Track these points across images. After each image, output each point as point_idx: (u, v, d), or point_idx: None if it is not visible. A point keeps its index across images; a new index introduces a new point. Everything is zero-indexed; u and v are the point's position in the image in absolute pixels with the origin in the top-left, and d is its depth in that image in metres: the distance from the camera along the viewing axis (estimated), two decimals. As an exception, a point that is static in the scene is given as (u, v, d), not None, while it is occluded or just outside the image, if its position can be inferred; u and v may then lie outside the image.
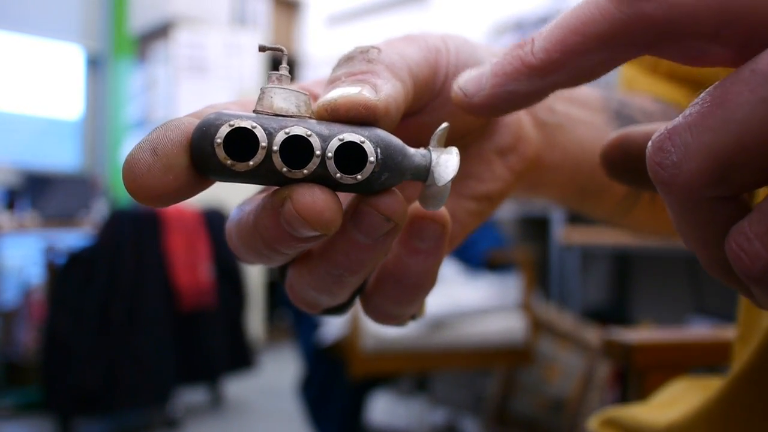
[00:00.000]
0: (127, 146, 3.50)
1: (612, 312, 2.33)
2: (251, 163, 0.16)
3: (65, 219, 2.77)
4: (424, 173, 0.17)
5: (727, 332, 0.67)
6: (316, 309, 0.21)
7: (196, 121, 0.17)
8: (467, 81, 0.18)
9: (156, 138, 0.16)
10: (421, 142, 0.20)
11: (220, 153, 0.16)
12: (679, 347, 0.64)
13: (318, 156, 0.16)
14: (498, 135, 0.26)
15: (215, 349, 2.23)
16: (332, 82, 0.19)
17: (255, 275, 3.16)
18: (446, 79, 0.23)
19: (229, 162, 0.16)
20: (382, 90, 0.18)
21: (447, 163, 0.17)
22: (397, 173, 0.16)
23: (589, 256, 2.45)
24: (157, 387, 2.05)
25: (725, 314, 1.80)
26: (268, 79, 0.18)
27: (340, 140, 0.16)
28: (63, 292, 1.98)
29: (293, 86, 0.18)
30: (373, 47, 0.21)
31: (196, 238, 2.14)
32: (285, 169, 0.16)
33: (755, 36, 0.14)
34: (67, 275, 1.99)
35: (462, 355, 1.65)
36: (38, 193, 2.78)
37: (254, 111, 0.17)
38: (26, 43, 3.48)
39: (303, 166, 0.16)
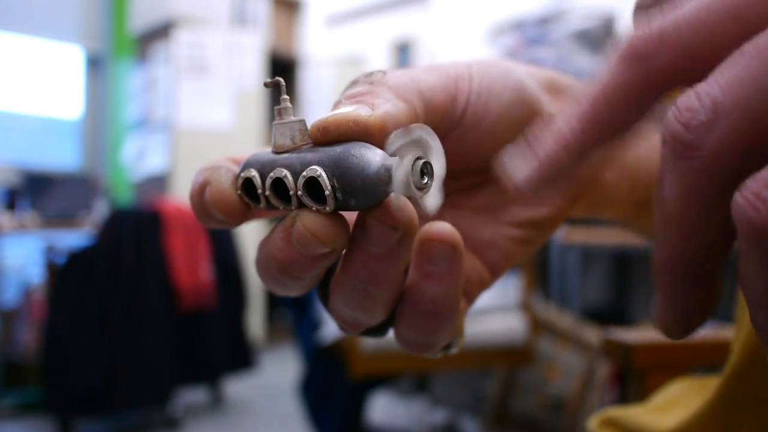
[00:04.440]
0: (127, 146, 3.50)
1: (612, 312, 2.33)
2: (261, 205, 0.18)
3: (65, 219, 2.77)
4: (384, 189, 0.17)
5: (727, 332, 0.67)
6: (358, 329, 0.21)
7: (236, 165, 0.20)
8: (512, 167, 0.17)
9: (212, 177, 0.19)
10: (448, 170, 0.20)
11: (243, 197, 0.19)
12: (679, 347, 0.64)
13: (293, 194, 0.17)
14: None
15: (215, 349, 2.24)
16: (336, 105, 0.19)
17: (255, 275, 3.16)
18: (467, 105, 0.22)
19: (250, 203, 0.19)
20: (380, 108, 0.18)
21: (402, 171, 0.16)
22: (367, 195, 0.16)
23: (589, 256, 2.45)
24: (157, 387, 2.05)
25: (725, 314, 1.80)
26: (275, 113, 0.19)
27: (304, 177, 0.17)
28: (63, 292, 1.98)
29: (290, 116, 0.18)
30: (378, 71, 0.21)
31: (197, 238, 2.14)
32: (282, 207, 0.18)
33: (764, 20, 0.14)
34: (67, 275, 1.99)
35: (462, 355, 1.65)
36: (38, 193, 2.78)
37: (273, 149, 0.19)
38: (26, 43, 3.48)
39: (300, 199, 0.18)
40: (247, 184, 0.18)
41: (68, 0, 3.63)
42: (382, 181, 0.16)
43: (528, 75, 0.24)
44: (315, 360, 1.75)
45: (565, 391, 1.79)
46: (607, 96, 0.16)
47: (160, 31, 3.26)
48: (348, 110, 0.18)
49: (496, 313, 1.73)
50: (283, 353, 3.21)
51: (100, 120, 3.79)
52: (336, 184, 0.16)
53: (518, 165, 0.17)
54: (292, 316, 1.86)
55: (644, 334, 0.69)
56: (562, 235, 2.15)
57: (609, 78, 0.16)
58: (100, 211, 2.90)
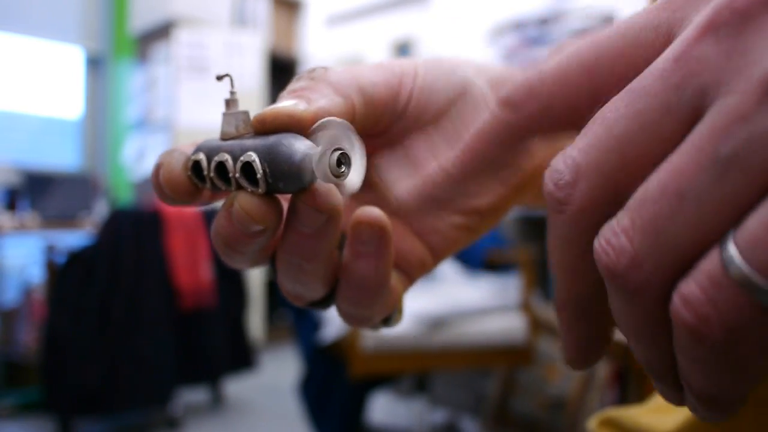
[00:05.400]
0: (127, 146, 3.50)
1: (612, 312, 2.33)
2: (207, 185, 0.20)
3: (65, 219, 2.77)
4: (310, 175, 0.19)
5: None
6: (301, 301, 0.23)
7: (190, 150, 0.21)
8: (393, 181, 0.21)
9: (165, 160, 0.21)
10: (387, 162, 0.24)
11: (192, 178, 0.21)
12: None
13: (232, 176, 0.19)
14: None
15: (215, 349, 2.24)
16: (279, 98, 0.21)
17: (255, 275, 3.16)
18: (409, 101, 0.24)
19: (198, 184, 0.21)
20: (316, 103, 0.20)
21: (321, 160, 0.18)
22: (293, 180, 0.18)
23: (589, 256, 2.44)
24: (158, 387, 2.05)
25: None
26: (225, 104, 0.21)
27: (241, 161, 0.19)
28: (63, 292, 1.98)
29: (236, 108, 0.21)
30: (321, 67, 0.23)
31: (197, 238, 2.14)
32: (224, 188, 0.20)
33: (626, 84, 0.15)
34: (67, 275, 1.99)
35: (462, 355, 1.65)
36: (38, 193, 2.78)
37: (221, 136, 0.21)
38: (26, 43, 3.48)
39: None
40: (196, 167, 0.20)
41: (68, 0, 3.63)
42: (305, 168, 0.18)
43: (478, 73, 0.25)
44: (315, 360, 1.75)
45: (565, 391, 1.79)
46: (486, 134, 0.18)
47: (160, 31, 3.26)
48: (286, 104, 0.20)
49: (496, 313, 1.73)
50: (283, 353, 3.21)
51: (100, 120, 3.79)
52: (267, 169, 0.18)
53: (399, 179, 0.20)
54: (292, 316, 1.86)
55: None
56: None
57: (489, 119, 0.18)
58: (100, 211, 2.90)
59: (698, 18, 0.14)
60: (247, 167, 0.19)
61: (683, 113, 0.14)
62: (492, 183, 0.25)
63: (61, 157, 3.64)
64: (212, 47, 3.24)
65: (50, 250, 2.22)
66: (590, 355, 0.18)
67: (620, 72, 0.16)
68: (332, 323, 1.66)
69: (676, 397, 0.16)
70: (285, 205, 0.20)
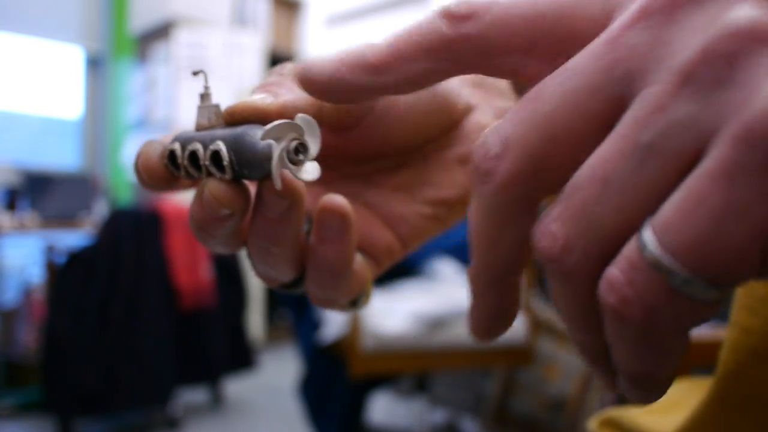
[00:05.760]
0: (127, 146, 3.50)
1: (612, 312, 2.33)
2: (182, 173, 0.22)
3: (65, 219, 2.77)
4: (268, 163, 0.20)
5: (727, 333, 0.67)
6: (273, 283, 0.24)
7: (168, 140, 0.23)
8: (315, 61, 0.20)
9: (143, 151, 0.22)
10: (361, 154, 0.25)
11: (168, 166, 0.22)
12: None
13: (203, 164, 0.21)
14: (460, 144, 0.26)
15: (215, 349, 2.24)
16: (252, 92, 0.23)
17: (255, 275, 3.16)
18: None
19: (174, 171, 0.22)
20: (282, 97, 0.22)
21: (280, 149, 0.20)
22: (256, 167, 0.20)
23: (589, 256, 2.45)
24: (158, 387, 2.05)
25: (725, 315, 1.80)
26: (199, 98, 0.23)
27: (210, 150, 0.20)
28: (63, 292, 1.98)
29: (209, 101, 0.22)
30: (291, 64, 0.24)
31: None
32: (197, 175, 0.21)
33: (563, 49, 0.16)
34: (67, 275, 1.99)
35: (462, 355, 1.65)
36: (38, 193, 2.78)
37: (195, 127, 0.22)
38: (26, 43, 3.48)
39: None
40: (172, 155, 0.22)
41: (68, 0, 3.63)
42: (266, 156, 0.19)
43: (485, 99, 0.26)
44: (315, 360, 1.75)
45: (565, 391, 1.79)
46: (420, 39, 0.18)
47: (160, 31, 3.26)
48: (255, 98, 0.22)
49: (496, 313, 1.73)
50: (283, 353, 3.21)
51: (100, 120, 3.79)
52: (233, 157, 0.20)
53: (320, 62, 0.20)
54: (292, 316, 1.86)
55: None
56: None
57: (428, 26, 0.18)
58: (100, 211, 2.90)
59: (634, 4, 0.15)
60: (216, 155, 0.20)
61: (610, 96, 0.14)
62: (457, 174, 0.26)
63: (61, 157, 3.64)
64: (212, 47, 3.24)
65: (50, 250, 2.22)
66: (494, 326, 0.19)
67: (560, 34, 0.17)
68: (332, 323, 1.66)
69: (610, 383, 0.16)
70: (254, 192, 0.22)
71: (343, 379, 1.66)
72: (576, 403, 1.75)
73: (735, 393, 0.28)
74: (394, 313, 1.62)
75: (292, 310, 1.83)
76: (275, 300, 3.28)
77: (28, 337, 2.43)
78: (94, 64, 3.78)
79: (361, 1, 3.54)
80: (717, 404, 0.29)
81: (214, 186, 0.20)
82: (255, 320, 3.13)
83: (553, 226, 0.15)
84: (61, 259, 2.12)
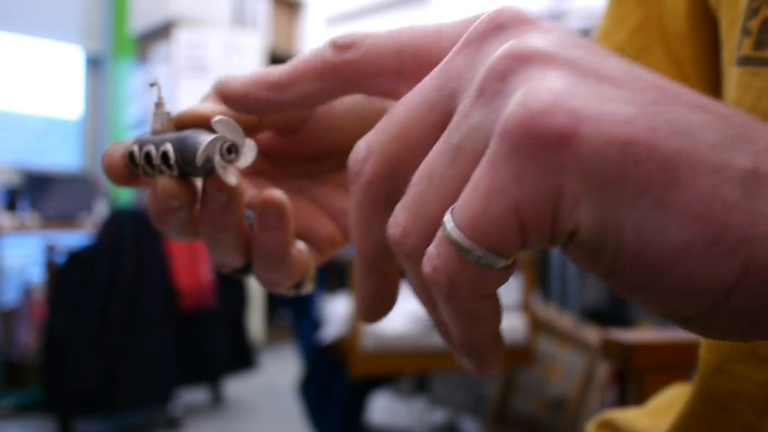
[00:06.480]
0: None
1: (612, 312, 2.33)
2: (140, 171, 0.24)
3: (65, 219, 2.77)
4: (205, 162, 0.23)
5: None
6: (226, 268, 0.27)
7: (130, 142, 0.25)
8: (229, 78, 0.24)
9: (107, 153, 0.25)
10: (307, 155, 0.28)
11: (128, 165, 0.25)
12: (678, 347, 0.64)
13: (155, 163, 0.23)
14: None
15: (215, 349, 2.24)
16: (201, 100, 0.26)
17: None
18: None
19: (133, 169, 0.25)
20: (221, 105, 0.24)
21: (214, 149, 0.22)
22: (193, 165, 0.23)
23: (589, 256, 2.44)
24: (158, 387, 2.05)
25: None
26: (154, 106, 0.25)
27: (161, 151, 0.23)
28: (63, 292, 1.98)
29: (163, 109, 0.25)
30: (233, 76, 0.26)
31: (196, 238, 2.14)
32: (151, 172, 0.24)
33: (424, 73, 0.19)
34: (67, 275, 1.99)
35: (462, 355, 1.65)
36: (38, 193, 2.78)
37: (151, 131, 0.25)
38: (26, 43, 3.48)
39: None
40: (131, 155, 0.25)
41: (68, 0, 3.63)
42: (204, 155, 0.22)
43: None
44: (315, 360, 1.75)
45: (565, 391, 1.79)
46: (312, 63, 0.22)
47: (160, 31, 3.26)
48: (198, 106, 0.24)
49: (496, 313, 1.73)
50: (283, 353, 3.21)
51: (100, 120, 3.79)
52: (178, 157, 0.23)
53: (237, 78, 0.23)
54: (292, 316, 1.86)
55: (644, 334, 0.69)
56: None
57: (319, 54, 0.22)
58: (100, 211, 2.90)
59: (464, 36, 0.18)
60: (165, 155, 0.23)
61: (442, 110, 0.18)
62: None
63: (62, 157, 3.64)
64: (212, 47, 3.24)
65: (50, 250, 2.22)
66: (377, 308, 0.22)
67: (421, 61, 0.21)
68: (332, 323, 1.66)
69: (457, 356, 0.19)
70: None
71: (343, 379, 1.66)
72: (576, 403, 1.75)
73: (718, 389, 0.29)
74: (394, 313, 1.62)
75: (292, 310, 1.83)
76: (275, 300, 3.28)
77: (28, 337, 2.43)
78: (94, 64, 3.78)
79: (361, 1, 3.54)
80: (701, 401, 0.30)
81: (165, 182, 0.23)
82: (255, 320, 3.13)
83: (398, 216, 0.17)
84: (61, 259, 2.12)
